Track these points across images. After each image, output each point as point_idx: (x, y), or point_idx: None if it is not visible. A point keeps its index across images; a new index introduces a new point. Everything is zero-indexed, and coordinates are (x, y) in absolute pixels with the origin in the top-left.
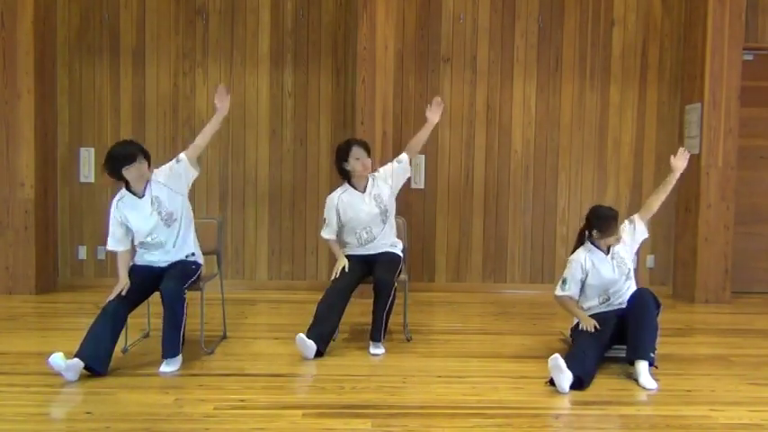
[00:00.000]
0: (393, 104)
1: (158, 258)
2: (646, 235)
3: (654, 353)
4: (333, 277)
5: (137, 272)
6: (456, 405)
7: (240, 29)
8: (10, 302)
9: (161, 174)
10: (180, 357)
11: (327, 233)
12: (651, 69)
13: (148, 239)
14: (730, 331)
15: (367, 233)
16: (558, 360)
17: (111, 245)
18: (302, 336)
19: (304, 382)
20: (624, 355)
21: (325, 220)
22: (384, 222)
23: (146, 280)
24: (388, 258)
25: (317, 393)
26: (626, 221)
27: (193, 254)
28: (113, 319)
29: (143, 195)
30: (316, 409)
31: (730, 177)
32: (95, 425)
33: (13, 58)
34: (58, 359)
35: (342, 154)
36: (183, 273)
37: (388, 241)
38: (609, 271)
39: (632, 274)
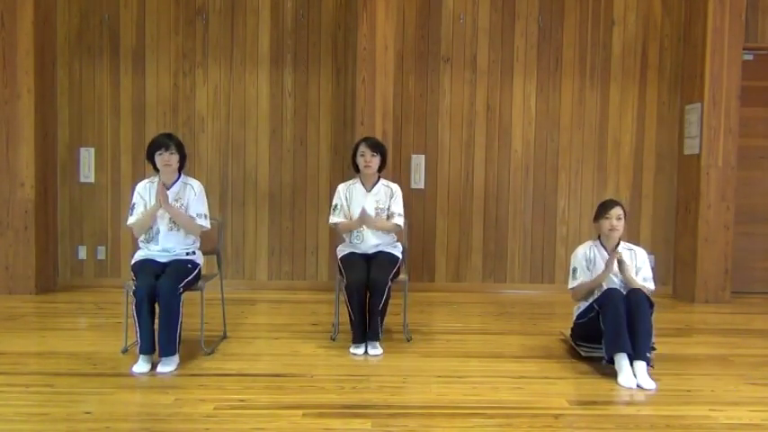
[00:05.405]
0: (393, 104)
1: (156, 253)
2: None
3: (650, 353)
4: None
5: (144, 262)
6: (456, 405)
7: (240, 29)
8: (10, 302)
9: (196, 186)
10: (177, 357)
11: (336, 217)
12: (651, 69)
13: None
14: (730, 331)
15: (357, 232)
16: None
17: (132, 220)
18: (355, 350)
19: (304, 382)
20: (601, 355)
21: (336, 206)
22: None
23: (155, 268)
24: (386, 258)
25: (316, 393)
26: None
27: (194, 252)
28: (148, 307)
29: (169, 188)
30: (316, 409)
31: (730, 177)
32: (95, 425)
33: (13, 58)
34: (142, 368)
35: (354, 148)
36: (180, 271)
37: (383, 241)
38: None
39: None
